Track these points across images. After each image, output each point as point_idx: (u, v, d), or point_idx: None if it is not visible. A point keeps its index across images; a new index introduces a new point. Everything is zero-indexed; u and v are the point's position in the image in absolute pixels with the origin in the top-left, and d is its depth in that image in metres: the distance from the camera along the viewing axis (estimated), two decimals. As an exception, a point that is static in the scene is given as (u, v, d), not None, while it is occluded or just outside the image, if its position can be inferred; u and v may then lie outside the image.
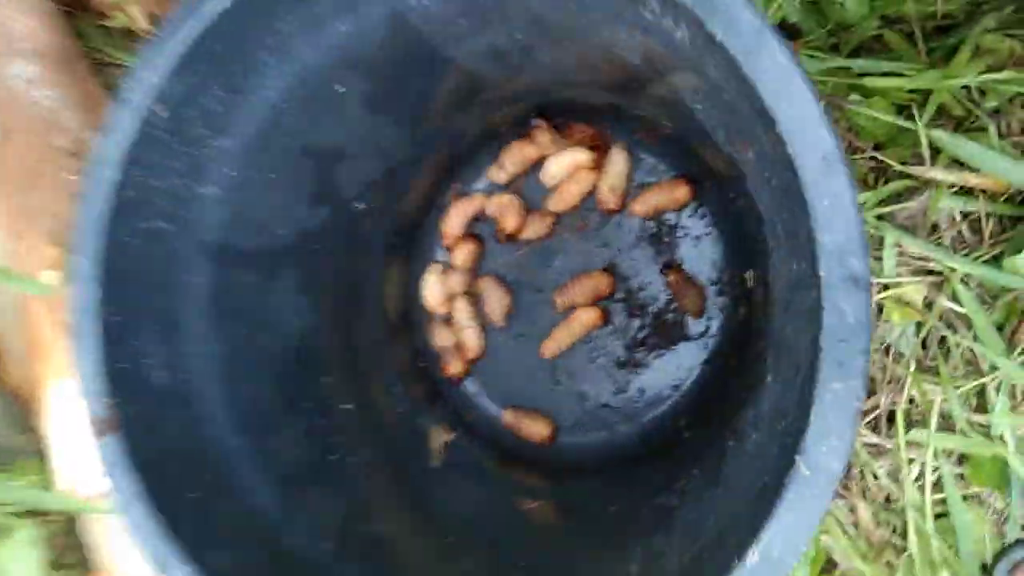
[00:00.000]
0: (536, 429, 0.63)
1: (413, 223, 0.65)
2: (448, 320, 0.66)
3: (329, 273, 0.56)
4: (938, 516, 0.61)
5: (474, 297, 0.66)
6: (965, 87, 0.59)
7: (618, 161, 0.62)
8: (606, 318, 0.63)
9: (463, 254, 0.65)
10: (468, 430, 0.63)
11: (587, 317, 0.62)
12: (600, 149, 0.63)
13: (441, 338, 0.65)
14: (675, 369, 0.62)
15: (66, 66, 0.65)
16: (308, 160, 0.49)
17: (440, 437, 0.60)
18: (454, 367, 0.65)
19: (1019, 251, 0.56)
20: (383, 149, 0.55)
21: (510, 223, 0.64)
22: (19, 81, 0.63)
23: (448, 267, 0.66)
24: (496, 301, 0.64)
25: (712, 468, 0.46)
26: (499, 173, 0.64)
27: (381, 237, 0.62)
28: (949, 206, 0.61)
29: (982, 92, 0.59)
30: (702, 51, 0.35)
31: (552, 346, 0.63)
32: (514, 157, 0.63)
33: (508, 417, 0.64)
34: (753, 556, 0.32)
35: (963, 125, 0.61)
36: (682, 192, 0.61)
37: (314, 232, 0.53)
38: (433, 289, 0.66)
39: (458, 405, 0.65)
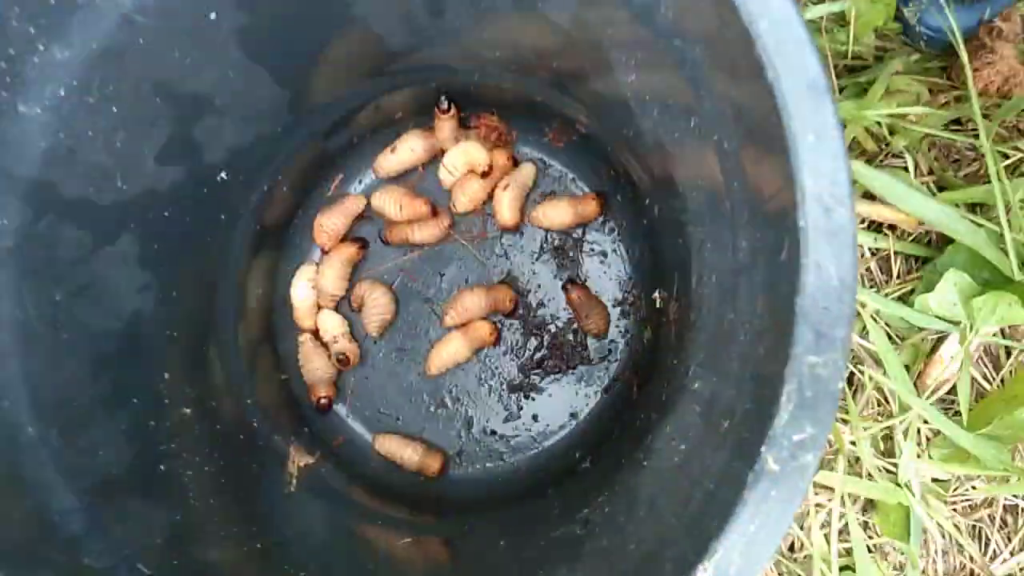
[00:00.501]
0: (423, 460, 0.54)
1: (286, 210, 0.56)
2: (317, 331, 0.57)
3: (179, 249, 0.46)
4: (842, 568, 0.57)
5: (354, 303, 0.57)
6: (877, 124, 0.58)
7: (525, 175, 0.57)
8: (499, 336, 0.57)
9: (341, 257, 0.57)
10: (332, 454, 0.54)
11: (479, 333, 0.56)
12: (505, 144, 0.57)
13: (308, 352, 0.56)
14: (573, 394, 0.56)
15: None
16: (164, 101, 0.41)
17: (299, 459, 0.51)
18: (322, 389, 0.56)
19: (930, 290, 0.55)
20: (257, 109, 0.47)
21: (399, 220, 0.57)
22: None
23: (321, 268, 0.57)
24: (376, 310, 0.56)
25: (626, 491, 0.39)
26: (389, 160, 0.57)
27: (248, 221, 0.53)
28: (861, 242, 0.59)
29: (891, 132, 0.59)
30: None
31: (437, 363, 0.56)
32: (411, 143, 0.57)
33: (385, 444, 0.55)
34: (704, 572, 0.25)
35: (874, 163, 0.60)
36: (591, 207, 0.56)
37: (164, 194, 0.44)
38: (302, 292, 0.57)
39: (323, 426, 0.56)
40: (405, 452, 0.54)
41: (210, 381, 0.48)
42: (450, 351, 0.56)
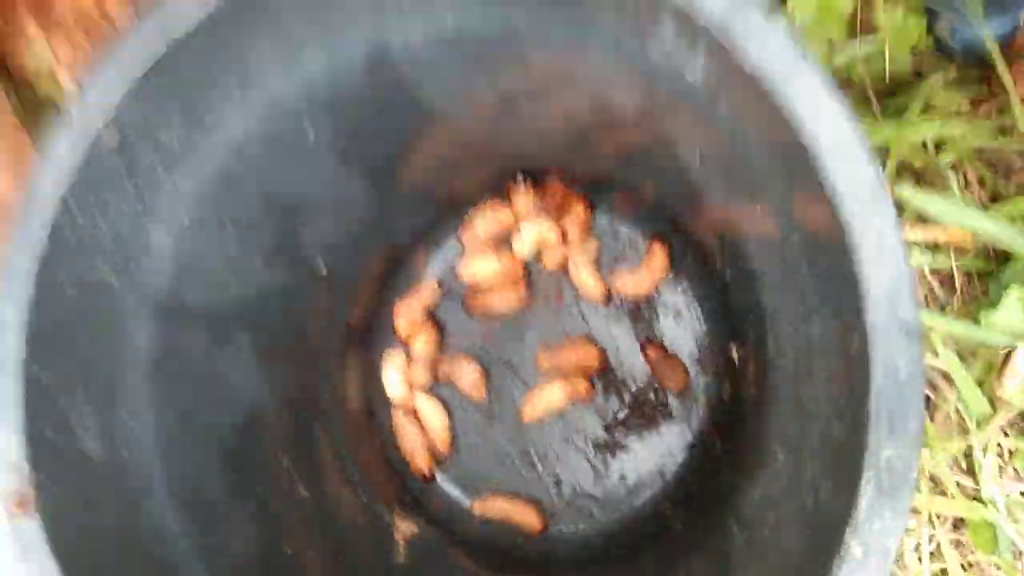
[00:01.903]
0: (523, 519, 0.57)
1: (372, 298, 0.60)
2: (413, 411, 0.61)
3: (286, 342, 0.51)
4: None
5: (442, 380, 0.61)
6: (923, 144, 0.58)
7: (592, 247, 0.59)
8: (594, 391, 0.59)
9: (422, 343, 0.60)
10: (435, 521, 0.57)
11: (576, 386, 0.58)
12: (577, 211, 0.60)
13: (406, 432, 0.60)
14: (659, 452, 0.58)
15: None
16: (269, 209, 0.45)
17: (405, 528, 0.54)
18: (422, 461, 0.59)
19: (995, 306, 0.55)
20: (349, 207, 0.51)
21: (484, 289, 0.60)
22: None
23: (409, 355, 0.61)
24: (469, 380, 0.59)
25: (718, 559, 0.41)
26: (471, 236, 0.60)
27: (342, 311, 0.57)
28: (919, 263, 0.59)
29: (938, 148, 0.59)
30: (718, 87, 0.32)
31: (534, 410, 0.58)
32: (488, 220, 0.60)
33: (484, 506, 0.58)
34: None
35: (923, 179, 0.60)
36: (661, 267, 0.58)
37: (271, 292, 0.48)
38: (392, 377, 0.60)
39: (425, 494, 0.59)
40: (505, 512, 0.57)
41: (319, 459, 0.52)
42: (547, 398, 0.58)
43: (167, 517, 0.37)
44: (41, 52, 0.67)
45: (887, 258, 0.27)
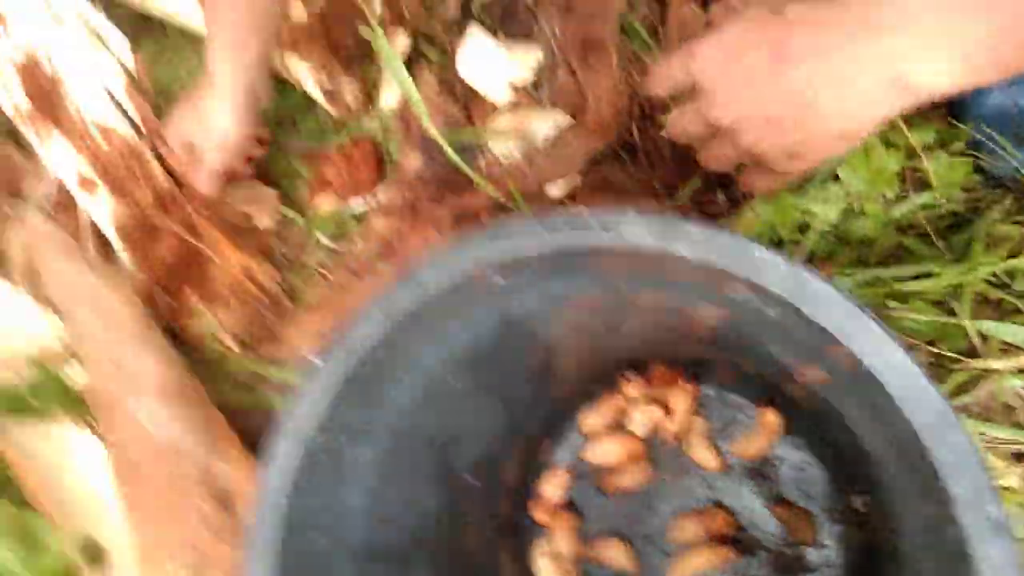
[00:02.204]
0: None
1: (517, 496, 0.67)
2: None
3: (452, 557, 0.58)
4: None
5: (592, 561, 0.66)
6: (995, 275, 0.62)
7: (699, 425, 0.65)
8: (732, 555, 0.63)
9: (563, 529, 0.66)
10: None
11: (716, 553, 0.62)
12: (678, 386, 0.66)
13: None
14: (805, 605, 0.61)
15: (186, 398, 0.72)
16: (430, 450, 0.54)
17: None
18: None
19: None
20: (490, 430, 0.59)
21: (613, 470, 0.66)
22: (145, 416, 0.69)
23: (554, 544, 0.67)
24: (621, 557, 0.65)
25: None
26: (591, 426, 0.67)
27: (495, 512, 0.64)
28: (1014, 386, 0.62)
29: (1010, 275, 0.63)
30: (791, 323, 0.39)
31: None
32: (603, 412, 0.67)
33: None
34: None
35: (1001, 308, 0.64)
36: (773, 429, 0.63)
37: (436, 515, 0.56)
38: (545, 567, 0.66)
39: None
40: None
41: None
42: (692, 566, 0.63)
43: None
44: (205, 321, 0.80)
45: (966, 471, 0.32)
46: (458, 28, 0.77)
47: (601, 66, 0.71)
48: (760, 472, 0.65)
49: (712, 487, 0.65)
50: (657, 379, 0.67)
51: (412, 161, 0.74)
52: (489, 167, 0.71)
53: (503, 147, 0.72)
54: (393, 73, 0.72)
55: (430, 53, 0.80)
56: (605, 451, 0.67)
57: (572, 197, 0.73)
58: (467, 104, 0.75)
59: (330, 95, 0.80)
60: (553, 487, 0.67)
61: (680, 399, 0.66)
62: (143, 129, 0.81)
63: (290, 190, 0.85)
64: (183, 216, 0.79)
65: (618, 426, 0.68)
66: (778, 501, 0.63)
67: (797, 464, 0.64)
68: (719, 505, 0.65)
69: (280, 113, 0.84)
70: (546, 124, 0.71)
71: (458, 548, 0.59)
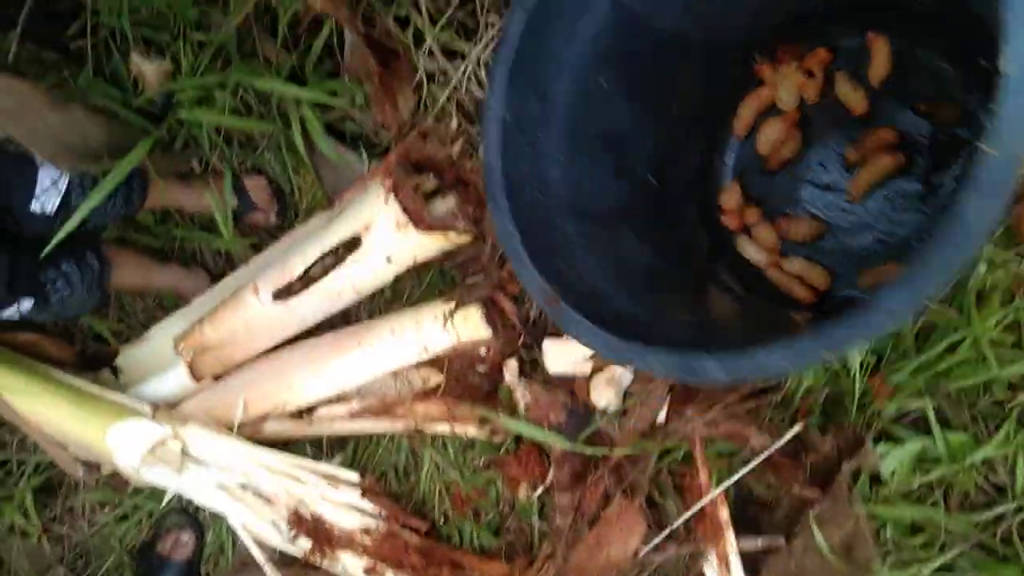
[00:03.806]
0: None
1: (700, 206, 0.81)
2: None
3: (657, 229, 0.73)
4: None
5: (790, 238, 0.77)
6: None
7: (843, 79, 0.75)
8: (904, 161, 0.71)
9: (753, 223, 0.78)
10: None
11: (888, 160, 0.71)
12: (810, 54, 0.76)
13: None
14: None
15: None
16: (604, 144, 0.69)
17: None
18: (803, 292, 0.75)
19: None
20: (650, 135, 0.73)
21: (775, 149, 0.77)
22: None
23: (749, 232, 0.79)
24: (805, 229, 0.76)
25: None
26: (745, 116, 0.79)
27: (687, 209, 0.78)
28: None
29: None
30: None
31: (861, 185, 0.73)
32: (751, 104, 0.79)
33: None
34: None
35: None
36: (886, 54, 0.71)
37: (626, 201, 0.72)
38: (752, 253, 0.78)
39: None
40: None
41: (696, 276, 0.72)
42: (869, 174, 0.73)
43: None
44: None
45: None
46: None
47: None
48: (892, 91, 0.73)
49: (864, 123, 0.74)
50: (783, 55, 0.77)
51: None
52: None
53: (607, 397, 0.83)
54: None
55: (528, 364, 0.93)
56: (768, 135, 0.78)
57: None
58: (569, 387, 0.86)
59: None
60: (728, 196, 0.79)
61: (815, 62, 0.76)
62: (384, 513, 1.00)
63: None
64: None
65: (770, 110, 0.78)
66: (919, 104, 0.71)
67: (921, 66, 0.71)
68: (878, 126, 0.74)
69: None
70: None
71: (659, 225, 0.74)
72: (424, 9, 0.86)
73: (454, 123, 0.89)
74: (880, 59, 0.72)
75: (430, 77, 0.90)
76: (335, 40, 0.96)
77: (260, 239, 1.13)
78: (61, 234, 0.88)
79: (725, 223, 0.80)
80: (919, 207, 0.72)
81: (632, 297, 0.63)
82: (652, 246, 0.71)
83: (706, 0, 0.67)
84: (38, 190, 0.88)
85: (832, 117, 0.76)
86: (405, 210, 0.79)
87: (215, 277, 1.16)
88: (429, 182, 0.88)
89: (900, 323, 0.46)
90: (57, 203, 0.89)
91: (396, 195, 0.80)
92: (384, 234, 0.81)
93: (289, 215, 1.11)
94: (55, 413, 0.98)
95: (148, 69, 1.03)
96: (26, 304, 0.92)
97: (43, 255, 0.89)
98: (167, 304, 1.21)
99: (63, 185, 0.90)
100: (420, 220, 0.80)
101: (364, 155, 0.99)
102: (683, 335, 0.59)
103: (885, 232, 0.74)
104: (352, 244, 0.86)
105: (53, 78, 1.06)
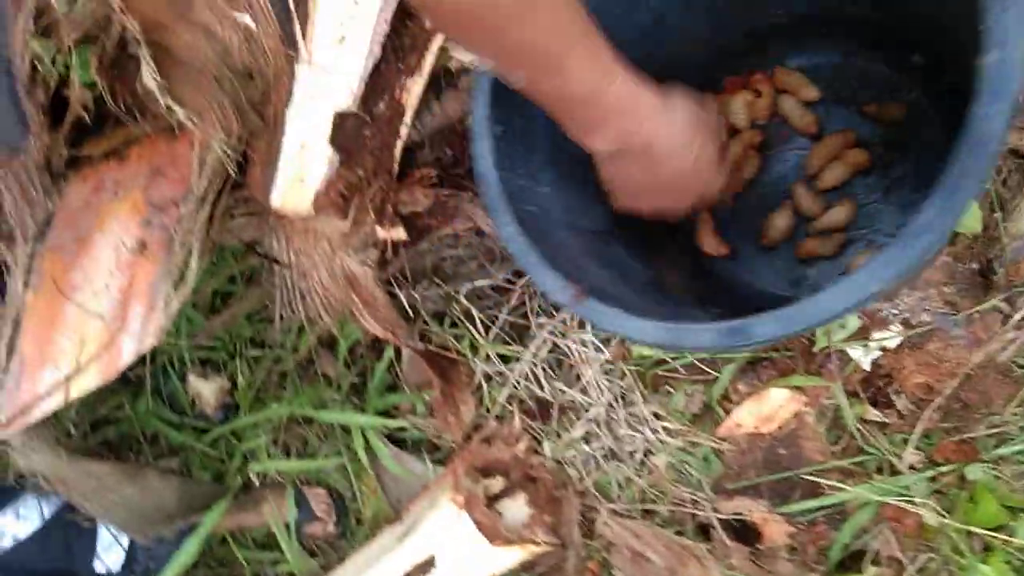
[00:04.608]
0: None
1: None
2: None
3: (645, 249, 0.73)
4: None
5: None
6: None
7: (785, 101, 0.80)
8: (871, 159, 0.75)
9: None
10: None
11: (858, 154, 0.75)
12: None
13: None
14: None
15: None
16: (585, 167, 0.69)
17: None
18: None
19: None
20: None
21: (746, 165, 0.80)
22: None
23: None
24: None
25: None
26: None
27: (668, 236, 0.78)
28: None
29: None
30: None
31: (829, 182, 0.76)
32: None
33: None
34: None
35: None
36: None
37: (611, 224, 0.71)
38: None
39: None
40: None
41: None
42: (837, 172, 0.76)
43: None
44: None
45: None
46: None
47: None
48: (844, 97, 0.77)
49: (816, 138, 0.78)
50: (730, 86, 0.82)
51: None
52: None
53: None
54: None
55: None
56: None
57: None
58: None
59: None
60: (706, 240, 0.80)
61: (758, 83, 0.80)
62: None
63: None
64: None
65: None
66: (865, 105, 0.76)
67: (864, 73, 0.76)
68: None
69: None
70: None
71: (645, 244, 0.74)
72: (478, 320, 0.92)
73: (516, 422, 0.91)
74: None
75: (487, 378, 0.94)
76: (392, 353, 1.00)
77: (320, 550, 1.06)
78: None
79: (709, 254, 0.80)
80: (885, 202, 0.75)
81: (642, 298, 0.61)
82: (643, 264, 0.71)
83: (662, 27, 0.70)
84: (99, 548, 0.89)
85: (788, 131, 0.80)
86: (479, 526, 0.78)
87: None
88: (496, 483, 0.88)
89: (944, 237, 0.46)
90: (122, 561, 0.90)
91: (468, 511, 0.79)
92: (459, 554, 0.79)
93: (349, 523, 1.05)
94: None
95: (205, 388, 1.06)
96: None
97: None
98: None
99: (125, 541, 0.91)
100: (496, 536, 0.79)
101: (428, 461, 0.97)
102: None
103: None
104: (426, 565, 0.83)
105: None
